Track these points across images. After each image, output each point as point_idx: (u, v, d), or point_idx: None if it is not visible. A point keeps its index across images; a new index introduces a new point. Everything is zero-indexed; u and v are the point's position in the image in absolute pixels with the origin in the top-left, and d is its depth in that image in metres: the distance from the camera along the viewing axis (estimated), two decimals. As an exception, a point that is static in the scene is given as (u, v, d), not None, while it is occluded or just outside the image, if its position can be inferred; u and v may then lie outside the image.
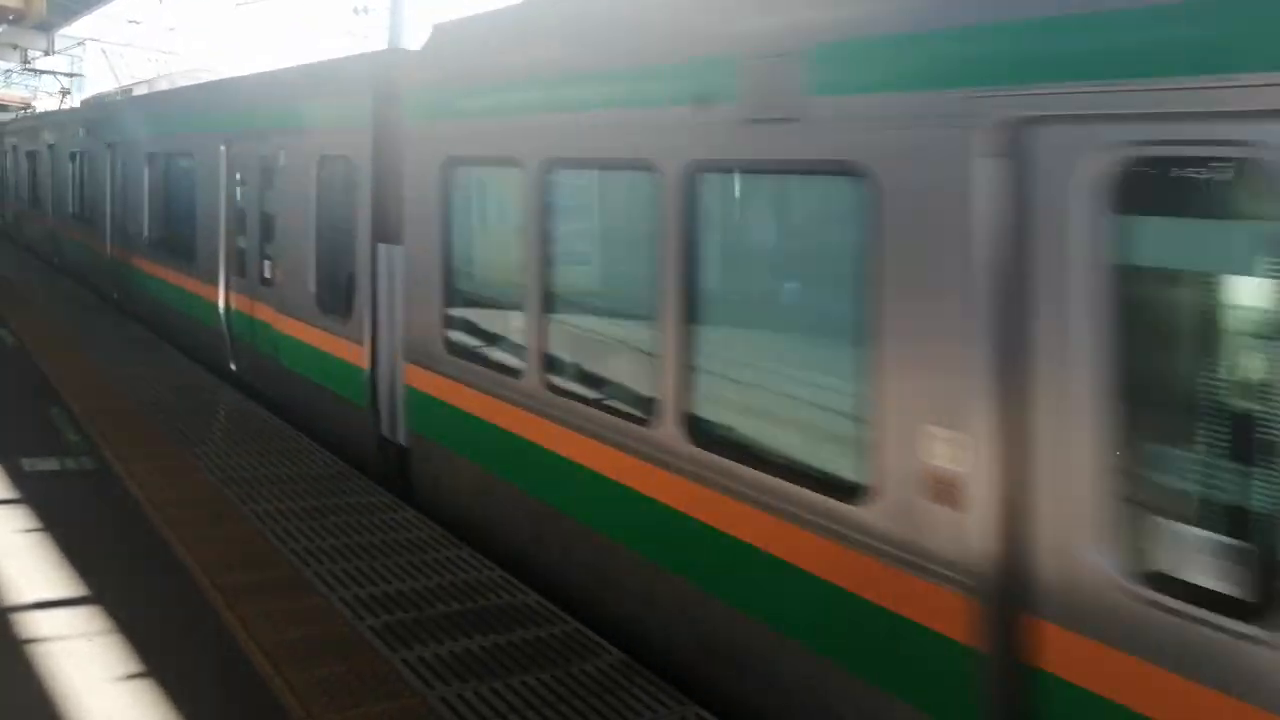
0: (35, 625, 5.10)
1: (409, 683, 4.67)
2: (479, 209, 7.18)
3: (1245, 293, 2.97)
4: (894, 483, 3.84)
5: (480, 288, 7.01)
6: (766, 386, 4.74)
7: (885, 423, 3.87)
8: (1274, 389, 2.86)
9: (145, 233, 14.54)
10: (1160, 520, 3.13)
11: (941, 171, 3.63)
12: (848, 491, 4.05)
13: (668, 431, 5.00)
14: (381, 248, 7.98)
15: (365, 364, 8.18)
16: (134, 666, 4.76)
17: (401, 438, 7.79)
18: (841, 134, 4.03)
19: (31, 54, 31.33)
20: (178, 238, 13.07)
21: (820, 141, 4.13)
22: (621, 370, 5.67)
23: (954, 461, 3.62)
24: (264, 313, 10.34)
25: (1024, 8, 3.42)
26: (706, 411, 4.86)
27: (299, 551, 6.15)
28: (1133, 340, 3.16)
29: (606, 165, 5.65)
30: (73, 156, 19.33)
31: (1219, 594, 2.95)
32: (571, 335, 5.96)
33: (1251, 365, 2.94)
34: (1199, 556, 3.02)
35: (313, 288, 9.15)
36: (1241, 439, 2.94)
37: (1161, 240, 3.20)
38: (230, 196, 11.26)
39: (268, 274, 10.27)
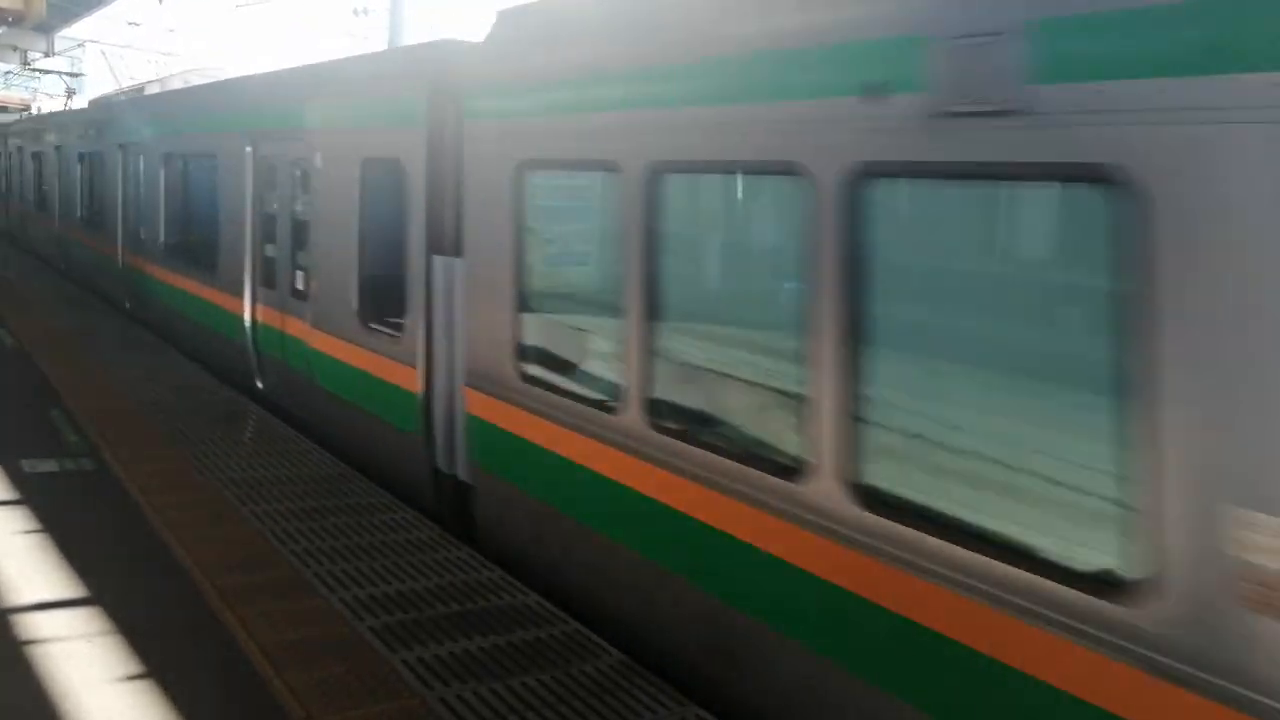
0: (35, 626, 5.11)
1: (409, 683, 4.67)
2: (561, 220, 6.47)
3: None
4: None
5: (566, 308, 6.25)
6: (959, 444, 3.89)
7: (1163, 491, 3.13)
8: None
9: (161, 239, 13.66)
10: None
11: (1249, 179, 2.88)
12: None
13: (826, 490, 4.17)
14: (438, 260, 7.21)
15: (418, 388, 7.41)
16: (134, 667, 4.76)
17: (461, 471, 7.06)
18: (1089, 130, 3.26)
19: (31, 56, 31.37)
20: (198, 245, 12.26)
21: (1054, 141, 3.36)
22: (758, 418, 4.82)
23: None
24: (296, 327, 9.55)
25: None
26: (881, 477, 4.02)
27: (299, 552, 6.15)
28: None
29: (731, 169, 4.85)
30: (81, 158, 18.73)
31: None
32: (686, 373, 5.16)
33: None
34: None
35: (355, 303, 8.36)
36: None
37: None
38: (257, 201, 10.49)
39: (300, 285, 9.49)
